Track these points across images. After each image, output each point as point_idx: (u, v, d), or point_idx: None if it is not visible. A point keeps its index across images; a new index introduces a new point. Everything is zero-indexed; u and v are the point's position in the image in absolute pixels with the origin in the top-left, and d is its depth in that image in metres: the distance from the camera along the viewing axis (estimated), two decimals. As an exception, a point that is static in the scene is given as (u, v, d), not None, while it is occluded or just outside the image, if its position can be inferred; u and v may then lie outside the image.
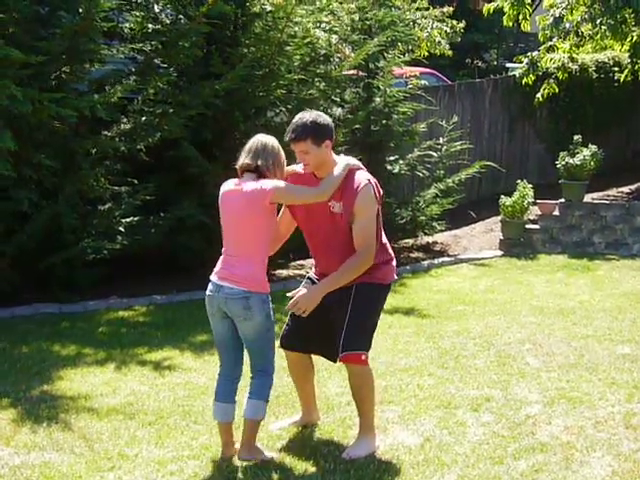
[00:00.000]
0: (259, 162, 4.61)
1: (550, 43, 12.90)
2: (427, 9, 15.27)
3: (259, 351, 4.69)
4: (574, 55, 13.47)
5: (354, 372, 4.82)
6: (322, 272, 4.91)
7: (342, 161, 4.76)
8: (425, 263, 10.73)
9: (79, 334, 7.40)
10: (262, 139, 4.72)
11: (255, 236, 4.61)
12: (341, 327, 4.73)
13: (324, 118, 4.75)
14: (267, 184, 4.56)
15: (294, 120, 4.73)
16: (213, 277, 4.66)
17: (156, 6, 9.34)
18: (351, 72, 11.03)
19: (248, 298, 4.51)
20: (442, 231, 11.75)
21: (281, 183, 4.63)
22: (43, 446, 4.85)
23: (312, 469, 4.51)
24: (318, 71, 10.23)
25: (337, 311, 4.76)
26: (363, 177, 4.74)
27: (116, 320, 7.95)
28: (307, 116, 4.69)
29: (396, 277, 5.14)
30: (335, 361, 4.92)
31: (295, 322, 4.98)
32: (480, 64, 26.15)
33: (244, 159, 4.67)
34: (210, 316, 4.69)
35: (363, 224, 4.70)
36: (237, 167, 4.72)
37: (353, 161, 4.84)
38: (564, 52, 13.18)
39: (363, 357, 4.75)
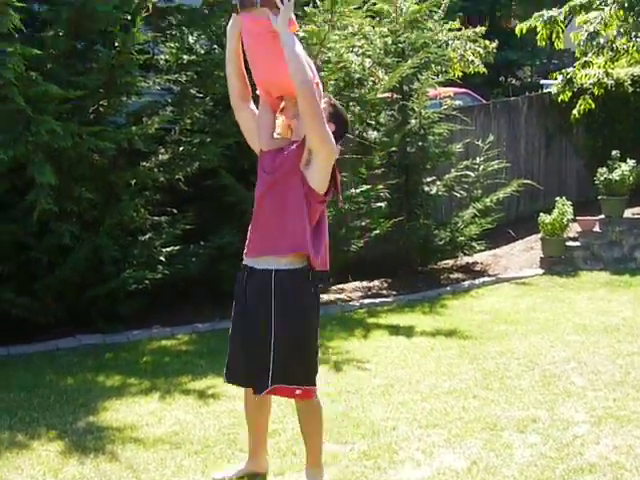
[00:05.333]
0: None
1: (585, 59, 12.85)
2: (459, 30, 15.25)
3: None
4: (609, 70, 13.38)
5: (297, 407, 4.51)
6: (253, 252, 4.42)
7: None
8: (466, 284, 10.69)
9: (123, 364, 7.45)
10: None
11: None
12: (267, 352, 4.24)
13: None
14: None
15: None
16: None
17: (190, 37, 9.42)
18: (386, 95, 11.06)
19: None
20: (482, 251, 11.72)
21: None
22: (91, 477, 4.86)
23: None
24: (353, 95, 10.26)
25: (260, 319, 4.27)
26: None
27: (159, 349, 8.00)
28: None
29: (327, 269, 4.44)
30: (259, 393, 4.38)
31: (230, 351, 4.55)
32: (514, 81, 26.12)
33: None
34: None
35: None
36: None
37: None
38: (599, 67, 13.11)
39: (298, 392, 4.33)
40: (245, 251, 4.44)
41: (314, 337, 4.38)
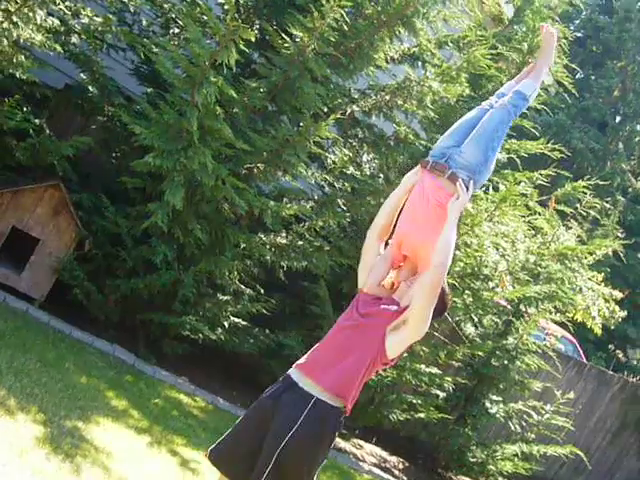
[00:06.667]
0: None
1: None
2: (599, 284, 15.19)
3: None
4: None
5: None
6: (306, 369, 4.39)
7: None
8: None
9: (136, 394, 7.45)
10: None
11: None
12: (272, 453, 4.17)
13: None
14: None
15: None
16: None
17: (365, 156, 9.71)
18: (500, 302, 11.04)
19: None
20: (504, 489, 11.41)
21: None
22: (41, 471, 4.90)
23: None
24: (472, 285, 10.27)
25: (278, 429, 4.21)
26: None
27: (174, 400, 7.99)
28: None
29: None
30: None
31: (233, 438, 4.45)
32: (621, 355, 25.69)
33: None
34: None
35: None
36: None
37: None
38: None
39: None
40: (299, 362, 4.45)
41: (315, 470, 4.31)
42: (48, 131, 8.38)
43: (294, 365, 4.44)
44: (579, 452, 11.77)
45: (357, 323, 4.40)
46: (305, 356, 4.48)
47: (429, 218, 4.46)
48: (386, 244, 4.73)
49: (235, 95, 7.76)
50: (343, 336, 4.41)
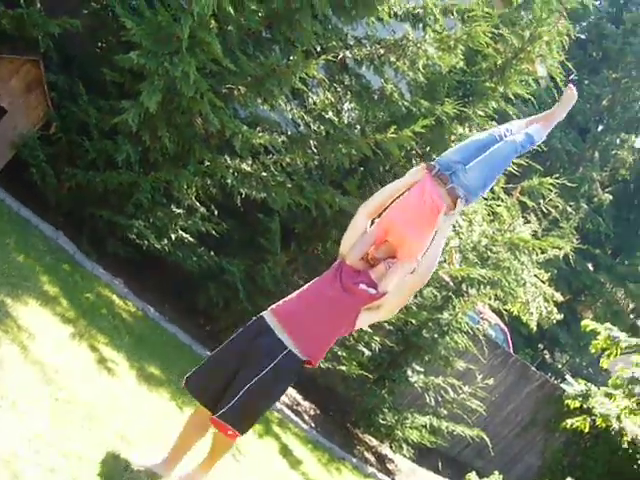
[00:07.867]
0: None
1: (612, 392, 12.79)
2: (543, 282, 15.38)
3: None
4: (624, 416, 13.27)
5: (216, 437, 4.93)
6: (282, 320, 4.87)
7: None
8: (369, 470, 10.54)
9: (70, 285, 7.42)
10: None
11: None
12: (239, 388, 4.72)
13: None
14: None
15: None
16: None
17: (347, 104, 9.67)
18: (445, 277, 11.12)
19: None
20: (405, 457, 11.60)
21: None
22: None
23: None
24: (420, 254, 10.29)
25: (250, 368, 4.74)
26: None
27: (106, 299, 7.95)
28: None
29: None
30: (213, 413, 4.82)
31: (209, 371, 4.97)
32: (547, 356, 26.13)
33: None
34: None
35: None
36: None
37: None
38: (618, 407, 12.98)
39: (230, 432, 4.78)
40: (274, 308, 4.93)
41: (272, 404, 5.05)
42: (39, 5, 8.22)
43: (269, 309, 4.92)
44: (486, 437, 12.01)
45: (339, 296, 4.89)
46: (280, 303, 4.95)
47: (421, 218, 4.99)
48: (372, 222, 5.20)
49: (233, 12, 7.68)
50: (323, 305, 4.90)
